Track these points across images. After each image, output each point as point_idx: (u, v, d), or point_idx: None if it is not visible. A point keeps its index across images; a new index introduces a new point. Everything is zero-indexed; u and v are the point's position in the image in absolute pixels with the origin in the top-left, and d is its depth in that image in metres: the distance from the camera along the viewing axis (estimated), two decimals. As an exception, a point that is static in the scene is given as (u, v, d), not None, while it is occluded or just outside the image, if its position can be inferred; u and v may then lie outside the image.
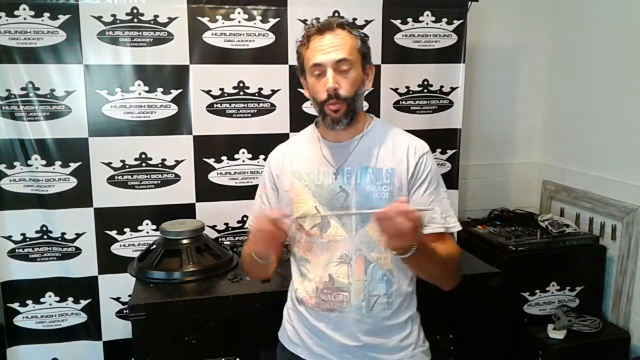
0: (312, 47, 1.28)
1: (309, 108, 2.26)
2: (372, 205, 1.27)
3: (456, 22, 2.36)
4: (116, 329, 2.21)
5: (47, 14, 2.01)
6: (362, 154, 1.33)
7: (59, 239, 2.14)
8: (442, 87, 2.41)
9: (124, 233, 2.19)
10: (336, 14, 2.22)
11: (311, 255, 1.35)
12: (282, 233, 1.17)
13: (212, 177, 2.24)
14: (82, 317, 2.22)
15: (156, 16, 2.09)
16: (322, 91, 1.27)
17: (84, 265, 2.17)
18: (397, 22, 2.31)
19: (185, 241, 1.96)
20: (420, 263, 1.21)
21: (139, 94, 2.12)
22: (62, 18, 2.03)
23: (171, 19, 2.10)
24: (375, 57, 2.26)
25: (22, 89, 2.04)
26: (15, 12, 1.99)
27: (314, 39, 1.28)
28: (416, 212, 1.06)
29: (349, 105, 1.28)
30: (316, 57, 1.26)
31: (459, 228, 1.37)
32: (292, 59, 2.21)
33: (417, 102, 2.40)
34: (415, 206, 1.26)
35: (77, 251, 2.16)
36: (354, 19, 2.24)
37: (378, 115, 2.34)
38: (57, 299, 2.19)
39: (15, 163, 2.08)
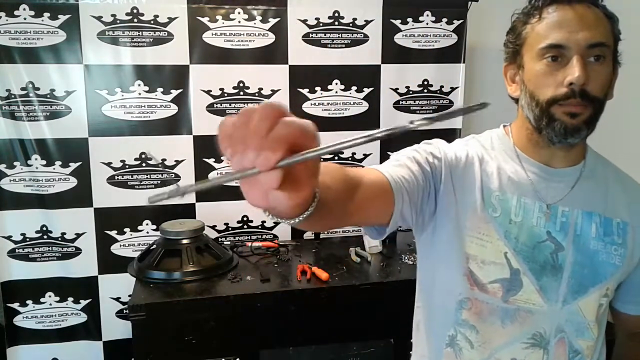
0: (550, 20, 0.88)
1: (309, 108, 2.26)
2: (597, 270, 0.91)
3: (456, 22, 2.36)
4: (116, 329, 2.21)
5: (47, 14, 2.01)
6: (586, 192, 0.95)
7: (59, 239, 2.15)
8: (442, 87, 2.40)
9: (124, 233, 2.19)
10: (336, 14, 2.22)
11: (481, 323, 0.94)
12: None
13: (212, 177, 2.24)
14: (82, 317, 2.22)
15: (156, 16, 2.09)
16: (557, 84, 0.88)
17: (84, 265, 2.17)
18: (397, 22, 2.31)
19: (185, 241, 1.96)
20: None
21: (139, 94, 2.12)
22: (62, 18, 2.03)
23: (171, 19, 2.10)
24: (375, 57, 2.30)
25: (22, 89, 2.04)
26: (15, 12, 1.99)
27: (553, 9, 0.89)
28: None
29: (595, 112, 0.89)
30: (557, 35, 0.87)
31: None
32: (292, 59, 2.21)
33: (417, 102, 2.40)
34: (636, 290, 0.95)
35: (77, 251, 2.16)
36: (354, 19, 2.24)
37: (378, 116, 2.34)
38: (57, 299, 2.19)
39: (15, 163, 2.08)
